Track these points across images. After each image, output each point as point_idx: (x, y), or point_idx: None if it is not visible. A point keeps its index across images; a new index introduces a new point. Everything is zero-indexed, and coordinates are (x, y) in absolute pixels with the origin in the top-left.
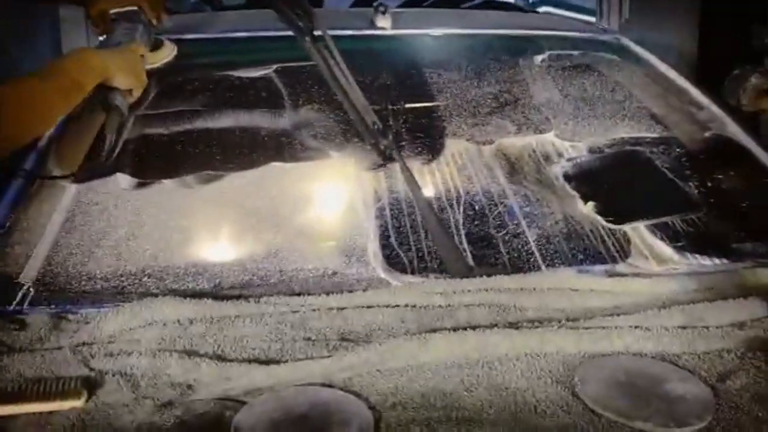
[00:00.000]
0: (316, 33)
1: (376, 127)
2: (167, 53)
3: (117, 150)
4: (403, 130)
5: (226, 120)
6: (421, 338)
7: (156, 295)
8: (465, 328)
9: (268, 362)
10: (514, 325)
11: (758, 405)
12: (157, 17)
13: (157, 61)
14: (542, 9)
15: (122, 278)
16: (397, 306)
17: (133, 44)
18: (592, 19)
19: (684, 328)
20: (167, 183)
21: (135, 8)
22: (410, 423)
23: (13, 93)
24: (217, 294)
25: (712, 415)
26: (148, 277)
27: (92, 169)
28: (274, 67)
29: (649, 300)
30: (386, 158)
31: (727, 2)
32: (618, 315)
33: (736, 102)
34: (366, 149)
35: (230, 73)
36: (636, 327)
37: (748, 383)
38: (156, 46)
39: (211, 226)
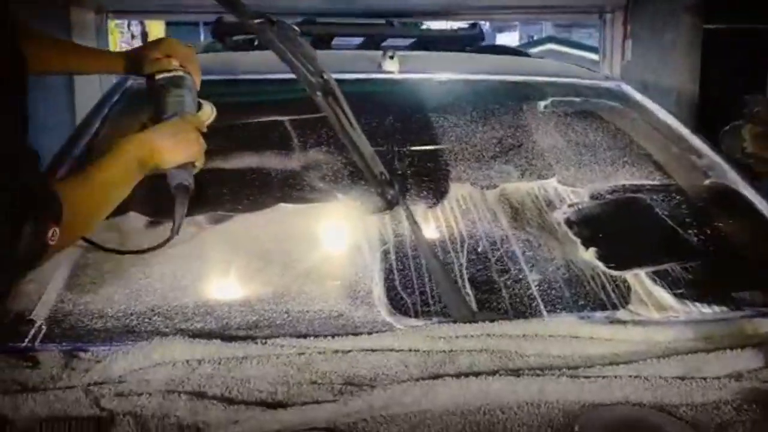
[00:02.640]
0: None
1: (383, 176)
2: (208, 115)
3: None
4: (409, 172)
5: (236, 161)
6: (425, 385)
7: (166, 335)
8: (467, 375)
9: (274, 405)
10: (516, 373)
11: None
12: (198, 79)
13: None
14: (547, 46)
15: (132, 317)
16: (401, 350)
17: (187, 115)
18: (595, 56)
19: (682, 378)
20: None
21: (182, 74)
22: None
23: (69, 191)
24: (225, 334)
25: None
26: (158, 316)
27: (158, 246)
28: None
29: (648, 348)
30: (392, 207)
31: (728, 45)
32: (617, 364)
33: (741, 154)
34: (372, 193)
35: (242, 114)
36: (635, 377)
37: None
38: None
39: (220, 266)
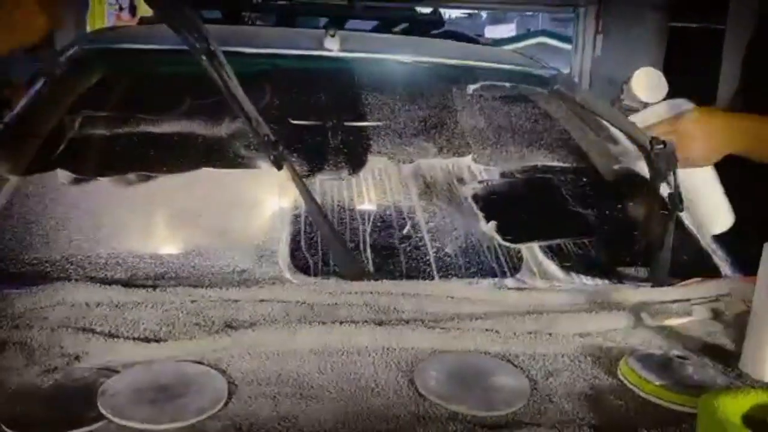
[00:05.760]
0: (212, 49)
1: (267, 138)
2: None
3: None
4: (337, 144)
5: (166, 126)
6: (291, 328)
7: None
8: (334, 322)
9: (151, 341)
10: (385, 323)
11: (568, 399)
12: None
13: None
14: (539, 39)
15: (46, 264)
16: (287, 302)
17: None
18: (568, 47)
19: (531, 333)
20: (103, 180)
21: None
22: (259, 396)
23: None
24: (131, 283)
25: (522, 404)
26: (71, 265)
27: None
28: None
29: (514, 309)
30: (278, 167)
31: (689, 43)
32: (476, 319)
33: None
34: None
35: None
36: (487, 330)
37: (568, 381)
38: None
39: (136, 220)
